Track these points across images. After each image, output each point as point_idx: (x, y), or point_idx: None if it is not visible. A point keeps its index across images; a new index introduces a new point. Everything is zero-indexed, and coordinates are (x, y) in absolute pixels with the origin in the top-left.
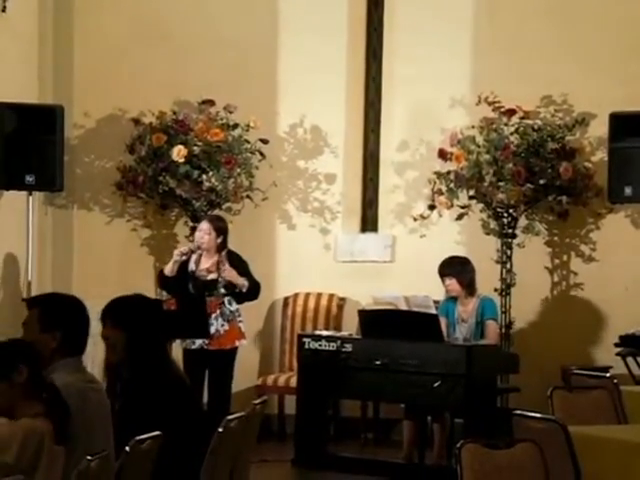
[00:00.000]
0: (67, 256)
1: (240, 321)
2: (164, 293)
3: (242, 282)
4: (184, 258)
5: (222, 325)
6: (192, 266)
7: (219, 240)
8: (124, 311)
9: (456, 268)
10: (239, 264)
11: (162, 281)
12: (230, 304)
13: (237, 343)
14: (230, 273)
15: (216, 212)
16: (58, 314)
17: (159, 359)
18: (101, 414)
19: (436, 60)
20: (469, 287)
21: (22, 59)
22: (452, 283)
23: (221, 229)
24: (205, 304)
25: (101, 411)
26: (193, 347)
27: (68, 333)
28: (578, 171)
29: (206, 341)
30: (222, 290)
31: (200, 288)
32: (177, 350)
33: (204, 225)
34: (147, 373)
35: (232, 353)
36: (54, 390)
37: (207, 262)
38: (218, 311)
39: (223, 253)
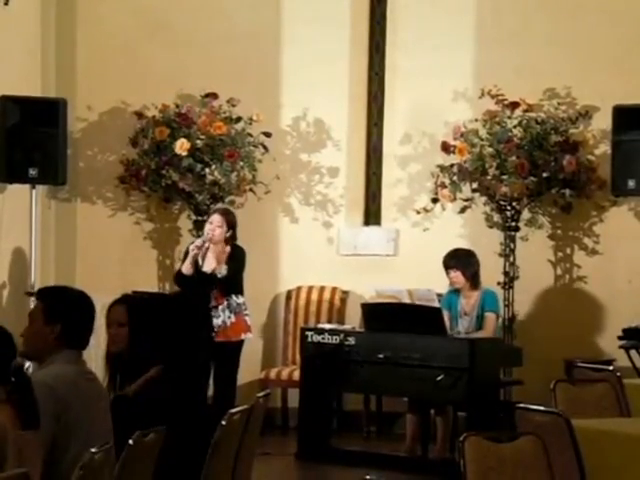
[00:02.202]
0: (70, 249)
1: (246, 314)
2: (167, 287)
3: (221, 269)
4: (200, 252)
5: (229, 317)
6: (199, 260)
7: (228, 234)
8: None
9: (461, 260)
10: (234, 259)
11: (180, 280)
12: (237, 297)
13: (243, 336)
14: (219, 256)
15: (219, 205)
16: (62, 307)
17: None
18: (98, 404)
19: (439, 53)
20: (473, 280)
21: (25, 52)
22: (457, 275)
23: (231, 222)
24: (208, 299)
25: (98, 402)
26: None
27: (69, 327)
28: (581, 164)
29: (213, 333)
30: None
31: (202, 281)
32: None
33: (216, 218)
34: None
35: (238, 345)
36: (19, 374)
37: (212, 257)
38: (225, 302)
39: (228, 247)
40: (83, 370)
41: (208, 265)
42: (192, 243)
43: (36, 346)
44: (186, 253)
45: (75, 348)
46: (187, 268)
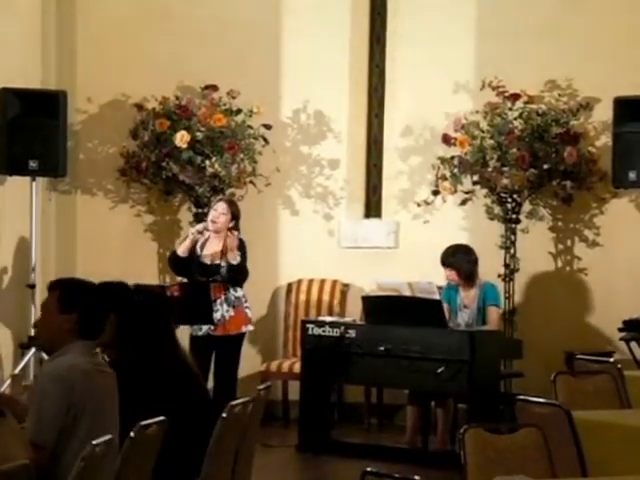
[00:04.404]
0: (71, 241)
1: (247, 307)
2: (167, 280)
3: (235, 256)
4: (200, 236)
5: (227, 311)
6: (197, 249)
7: (231, 224)
8: (116, 296)
9: (456, 259)
10: (242, 249)
11: (174, 262)
12: (235, 290)
13: (243, 329)
14: (232, 242)
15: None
16: (78, 297)
17: (156, 345)
18: (108, 398)
19: (440, 45)
20: (468, 278)
21: (25, 44)
22: (451, 274)
23: (235, 213)
24: (209, 290)
25: (109, 395)
26: (200, 333)
27: (85, 317)
28: (582, 156)
29: (212, 327)
30: (224, 272)
31: (202, 272)
32: (184, 336)
33: (221, 205)
34: (144, 357)
35: (238, 339)
36: None
37: (213, 247)
38: (223, 296)
39: (237, 233)
40: (96, 362)
41: (209, 249)
42: (193, 227)
43: (50, 336)
44: (185, 238)
45: (88, 339)
46: (183, 250)
